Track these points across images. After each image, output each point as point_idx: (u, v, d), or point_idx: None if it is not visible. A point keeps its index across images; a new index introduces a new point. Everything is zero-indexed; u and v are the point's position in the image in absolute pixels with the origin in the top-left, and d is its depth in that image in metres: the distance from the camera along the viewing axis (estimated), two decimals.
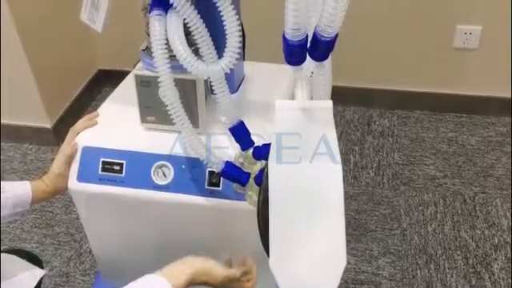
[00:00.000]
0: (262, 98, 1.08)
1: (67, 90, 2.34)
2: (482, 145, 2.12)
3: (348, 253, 1.68)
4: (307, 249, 0.67)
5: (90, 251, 1.73)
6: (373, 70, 2.27)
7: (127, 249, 1.12)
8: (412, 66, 2.23)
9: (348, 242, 1.70)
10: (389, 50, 2.19)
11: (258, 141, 0.90)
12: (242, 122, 0.89)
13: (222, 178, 0.93)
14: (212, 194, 0.95)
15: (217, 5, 0.78)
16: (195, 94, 0.94)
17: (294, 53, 0.64)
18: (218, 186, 0.94)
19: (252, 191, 0.88)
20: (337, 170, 0.68)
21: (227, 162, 0.89)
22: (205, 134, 0.97)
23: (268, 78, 1.17)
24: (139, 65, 1.00)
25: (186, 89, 0.93)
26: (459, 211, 1.83)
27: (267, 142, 0.82)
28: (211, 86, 0.87)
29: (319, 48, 0.63)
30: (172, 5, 0.80)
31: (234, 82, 1.09)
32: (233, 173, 0.88)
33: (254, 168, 0.88)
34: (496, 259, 1.66)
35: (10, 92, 2.11)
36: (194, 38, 0.83)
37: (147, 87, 0.97)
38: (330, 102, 0.67)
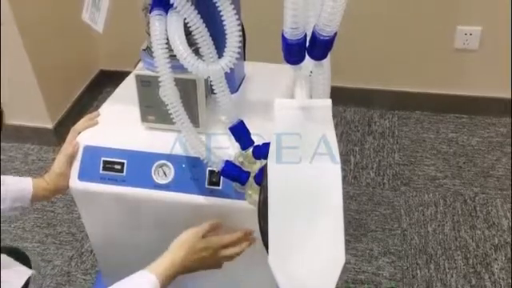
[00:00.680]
0: (262, 97, 1.09)
1: (69, 90, 2.34)
2: (482, 145, 2.12)
3: (348, 253, 1.69)
4: (306, 247, 0.67)
5: (91, 251, 1.74)
6: (373, 70, 2.27)
7: (128, 248, 1.13)
8: (412, 66, 2.23)
9: (348, 241, 1.71)
10: (389, 50, 2.20)
11: (257, 140, 0.90)
12: (242, 121, 0.89)
13: (222, 177, 0.94)
14: (212, 193, 0.95)
15: (217, 5, 0.79)
16: (195, 94, 0.95)
17: (293, 52, 0.65)
18: (218, 185, 0.95)
19: (252, 190, 0.88)
20: (336, 170, 0.68)
21: (227, 161, 0.89)
22: (205, 133, 0.98)
23: (268, 77, 1.18)
24: (140, 65, 1.01)
25: (187, 88, 0.93)
26: (459, 211, 1.84)
27: (267, 142, 0.83)
28: (211, 86, 0.88)
29: (318, 47, 0.63)
30: (172, 5, 0.81)
31: (234, 81, 1.10)
32: (233, 172, 0.89)
33: (254, 167, 0.88)
34: (496, 259, 1.66)
35: (11, 92, 2.12)
36: (195, 37, 0.83)
37: (148, 87, 0.97)
38: (329, 101, 0.68)
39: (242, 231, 0.94)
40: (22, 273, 1.09)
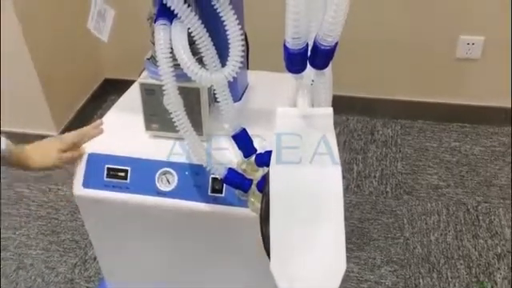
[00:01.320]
0: (264, 106, 1.10)
1: (74, 98, 2.36)
2: (485, 154, 2.12)
3: (351, 261, 1.69)
4: (307, 252, 0.68)
5: (95, 258, 1.74)
6: (376, 79, 2.28)
7: (131, 255, 1.13)
8: (415, 75, 2.24)
9: (351, 250, 1.71)
10: (392, 59, 2.21)
11: (259, 144, 0.91)
12: (245, 129, 0.90)
13: (224, 185, 0.95)
14: (215, 201, 0.96)
15: (220, 14, 0.80)
16: (199, 102, 0.96)
17: (295, 61, 0.66)
18: (221, 193, 0.96)
19: (254, 197, 0.89)
20: (337, 172, 0.69)
21: (230, 168, 0.90)
22: (208, 141, 0.99)
23: (271, 86, 1.19)
24: (144, 73, 1.02)
25: (190, 97, 0.94)
26: (462, 220, 1.84)
27: (269, 150, 0.84)
28: (215, 94, 0.89)
29: (319, 56, 0.64)
30: (177, 15, 0.82)
31: (237, 90, 1.11)
32: (235, 179, 0.90)
33: (256, 175, 0.89)
34: (499, 269, 1.66)
35: (17, 100, 2.14)
36: (198, 46, 0.84)
37: (152, 95, 0.99)
38: (331, 109, 0.69)
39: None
40: None
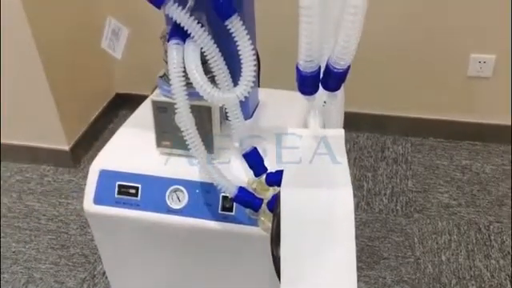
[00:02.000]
0: (275, 124, 1.10)
1: (85, 112, 2.38)
2: (496, 173, 2.11)
3: (361, 280, 1.68)
4: (318, 274, 0.67)
5: (104, 273, 1.74)
6: (387, 96, 2.28)
7: (140, 271, 1.13)
8: (426, 93, 2.24)
9: (361, 269, 1.70)
10: (403, 76, 2.21)
11: (270, 167, 0.91)
12: (256, 148, 0.90)
13: (235, 204, 0.94)
14: (225, 219, 0.96)
15: (233, 35, 0.81)
16: (210, 121, 0.96)
17: (307, 83, 0.66)
18: (231, 211, 0.96)
19: (265, 217, 0.89)
20: (348, 195, 0.68)
21: (240, 187, 0.90)
22: (219, 159, 0.99)
23: (282, 104, 1.19)
24: (156, 91, 1.03)
25: (202, 115, 0.95)
26: (474, 240, 1.82)
27: (280, 169, 0.84)
28: (226, 113, 0.89)
29: (332, 79, 0.65)
30: (190, 34, 0.83)
31: (248, 108, 1.11)
32: (246, 198, 0.90)
33: (267, 194, 0.89)
34: None
35: (29, 114, 2.16)
36: (211, 66, 0.85)
37: (164, 113, 0.99)
38: (342, 131, 0.69)
39: None
40: None
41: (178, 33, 0.85)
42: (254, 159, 0.90)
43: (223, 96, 0.82)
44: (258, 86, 1.21)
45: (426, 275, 1.70)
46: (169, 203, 0.99)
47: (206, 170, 0.90)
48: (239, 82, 0.83)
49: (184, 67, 0.85)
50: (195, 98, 0.89)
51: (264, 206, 0.89)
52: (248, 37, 0.81)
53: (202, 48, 0.84)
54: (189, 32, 0.83)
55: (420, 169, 2.16)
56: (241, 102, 0.87)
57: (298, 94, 0.73)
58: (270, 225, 0.80)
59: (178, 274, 1.10)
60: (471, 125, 2.25)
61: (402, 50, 2.14)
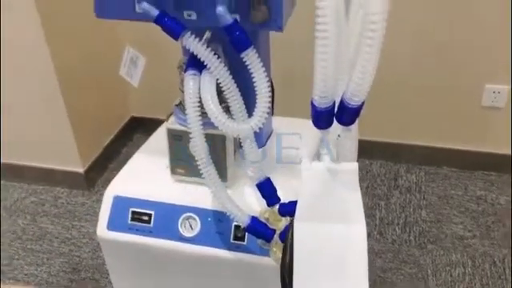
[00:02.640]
0: (289, 153, 1.10)
1: (101, 135, 2.41)
2: (510, 205, 2.08)
3: None
4: None
5: None
6: (401, 124, 2.28)
7: None
8: (440, 122, 2.23)
9: None
10: (418, 105, 2.21)
11: (284, 197, 0.92)
12: (269, 178, 0.91)
13: (247, 233, 0.94)
14: (237, 248, 0.96)
15: (248, 67, 0.82)
16: (224, 149, 0.97)
17: (322, 118, 0.67)
18: (243, 241, 0.96)
19: (276, 247, 0.88)
20: (361, 231, 0.68)
21: (253, 217, 0.90)
22: (232, 188, 0.99)
23: (296, 133, 1.20)
24: (172, 118, 1.04)
25: (216, 143, 0.96)
26: (488, 273, 1.79)
27: (293, 200, 0.84)
28: (240, 142, 0.90)
29: (346, 114, 0.65)
30: (206, 65, 0.85)
31: (262, 136, 1.12)
32: (258, 228, 0.90)
33: (279, 224, 0.89)
34: None
35: (46, 136, 2.19)
36: (226, 96, 0.86)
37: (179, 141, 1.00)
38: (356, 165, 0.69)
39: None
40: None
41: (195, 64, 0.87)
42: (267, 189, 0.90)
43: (238, 127, 0.84)
44: (272, 114, 1.22)
45: None
46: (181, 231, 0.99)
47: (218, 198, 0.91)
48: (254, 114, 0.84)
49: (200, 97, 0.87)
50: (210, 127, 0.90)
51: (276, 236, 0.89)
52: (263, 69, 0.82)
53: (217, 79, 0.85)
54: (205, 63, 0.84)
55: (434, 198, 2.14)
56: (254, 131, 0.88)
57: (312, 123, 0.73)
58: (282, 256, 0.80)
59: None
60: (486, 155, 2.23)
61: (416, 79, 2.15)
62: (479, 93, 2.11)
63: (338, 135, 0.71)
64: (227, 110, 0.89)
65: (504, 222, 2.00)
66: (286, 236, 0.80)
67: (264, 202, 0.93)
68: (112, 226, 1.03)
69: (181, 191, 1.03)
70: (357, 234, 0.67)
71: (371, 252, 1.88)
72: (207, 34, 0.88)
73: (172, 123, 1.02)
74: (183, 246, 0.99)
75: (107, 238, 1.04)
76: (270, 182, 0.91)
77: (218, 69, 0.84)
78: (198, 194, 1.01)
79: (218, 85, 0.87)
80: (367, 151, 2.26)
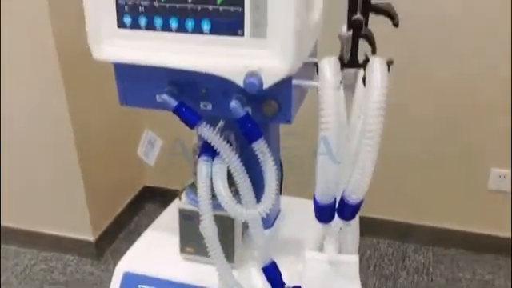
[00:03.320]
0: (295, 235, 1.14)
1: (113, 204, 2.46)
2: None
3: None
4: None
5: None
6: (409, 205, 2.30)
7: None
8: (448, 204, 2.25)
9: None
10: (425, 188, 2.24)
11: (288, 281, 0.94)
12: (274, 262, 0.94)
13: None
14: None
15: (258, 156, 0.88)
16: (233, 231, 1.01)
17: (324, 213, 0.71)
18: None
19: None
20: None
21: None
22: (239, 269, 1.02)
23: (303, 214, 1.23)
24: (184, 198, 1.09)
25: (225, 225, 1.00)
26: None
27: (297, 285, 0.86)
28: (247, 225, 0.94)
29: (346, 210, 0.70)
30: (219, 153, 0.91)
31: (269, 218, 1.16)
32: None
33: None
34: None
35: (59, 203, 2.24)
36: (236, 182, 0.92)
37: (189, 220, 1.05)
38: (357, 257, 0.72)
39: None
40: None
41: (208, 150, 0.93)
42: (272, 273, 0.93)
43: (246, 212, 0.88)
44: (280, 194, 1.26)
45: None
46: None
47: (225, 279, 0.94)
48: (262, 200, 0.89)
49: (211, 180, 0.92)
50: (219, 209, 0.94)
51: None
52: (271, 159, 0.88)
53: (228, 165, 0.91)
54: (218, 151, 0.90)
55: (442, 281, 2.12)
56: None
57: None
58: None
59: None
60: (493, 238, 2.23)
61: (423, 163, 2.20)
62: (485, 176, 2.14)
63: (340, 228, 0.75)
64: (236, 192, 0.94)
65: None
66: None
67: (269, 285, 0.95)
68: None
69: (189, 270, 1.06)
70: None
71: None
72: (221, 123, 0.95)
73: (184, 203, 1.07)
74: None
75: None
76: (276, 266, 0.94)
77: (229, 157, 0.90)
78: (206, 273, 1.03)
79: (229, 170, 0.92)
80: (375, 229, 2.28)
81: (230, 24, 0.81)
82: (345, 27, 0.81)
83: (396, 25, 0.73)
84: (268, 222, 1.14)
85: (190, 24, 0.83)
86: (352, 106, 0.73)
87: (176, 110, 0.89)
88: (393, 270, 2.19)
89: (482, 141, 2.09)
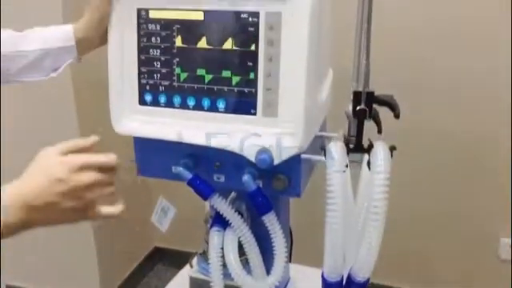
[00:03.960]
0: None
1: (124, 264, 2.46)
2: None
3: None
4: None
5: None
6: (418, 272, 2.28)
7: None
8: (459, 273, 2.22)
9: None
10: (435, 257, 2.23)
11: None
12: None
13: None
14: None
15: (268, 229, 0.91)
16: None
17: None
18: None
19: None
20: None
21: None
22: None
23: (312, 283, 1.24)
24: (195, 266, 1.12)
25: None
26: None
27: None
28: None
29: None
30: (230, 224, 0.94)
31: (278, 287, 1.17)
32: None
33: None
34: None
35: (70, 264, 2.25)
36: (246, 252, 0.94)
37: None
38: None
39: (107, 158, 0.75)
40: None
41: (220, 221, 0.96)
42: None
43: (255, 284, 0.90)
44: (290, 261, 1.28)
45: None
46: None
47: None
48: (271, 272, 0.92)
49: (222, 249, 0.95)
50: (230, 279, 0.97)
51: None
52: (281, 231, 0.91)
53: (239, 236, 0.94)
54: (229, 222, 0.94)
55: None
56: None
57: None
58: None
59: None
60: None
61: (433, 228, 2.19)
62: (495, 246, 2.13)
63: None
64: (247, 261, 0.96)
65: None
66: None
67: None
68: None
69: None
70: None
71: None
72: (233, 195, 0.99)
73: (195, 272, 1.09)
74: None
75: None
76: None
77: (240, 228, 0.93)
78: None
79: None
80: None
81: (243, 104, 0.86)
82: (351, 105, 0.86)
83: (397, 116, 0.78)
84: None
85: (206, 103, 0.89)
86: (358, 185, 0.77)
87: (190, 183, 0.93)
88: None
89: (488, 210, 2.09)
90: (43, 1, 1.79)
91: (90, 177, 0.71)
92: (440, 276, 2.26)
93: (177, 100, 0.91)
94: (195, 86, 0.89)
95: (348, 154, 0.77)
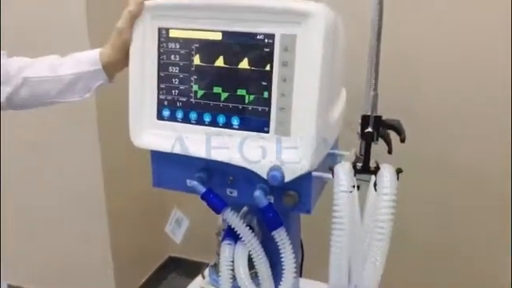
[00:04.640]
0: None
1: (138, 274, 2.48)
2: None
3: None
4: None
5: None
6: None
7: None
8: None
9: None
10: (438, 276, 2.20)
11: None
12: None
13: None
14: None
15: (278, 244, 0.93)
16: None
17: None
18: None
19: None
20: None
21: None
22: None
23: None
24: (207, 277, 1.15)
25: None
26: None
27: None
28: None
29: None
30: (241, 238, 0.96)
31: None
32: None
33: None
34: None
35: (85, 270, 2.28)
36: (256, 267, 0.97)
37: None
38: None
39: None
40: None
41: (232, 234, 0.99)
42: None
43: None
44: (300, 276, 1.30)
45: None
46: None
47: None
48: (280, 285, 0.93)
49: (233, 262, 0.98)
50: None
51: None
52: (291, 247, 0.93)
53: (250, 250, 0.97)
54: (240, 236, 0.96)
55: None
56: None
57: None
58: None
59: None
60: None
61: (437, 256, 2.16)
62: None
63: None
64: (256, 275, 0.99)
65: None
66: None
67: None
68: None
69: None
70: None
71: None
72: (244, 209, 1.02)
73: (206, 283, 1.12)
74: None
75: None
76: None
77: (251, 242, 0.96)
78: None
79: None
80: None
81: (257, 121, 0.89)
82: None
83: (402, 140, 0.80)
84: None
85: (221, 119, 0.92)
86: (365, 205, 0.79)
87: (204, 197, 0.96)
88: None
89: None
90: (70, 28, 1.88)
91: None
92: None
93: (193, 116, 0.94)
94: (211, 102, 0.92)
95: (355, 174, 0.79)
